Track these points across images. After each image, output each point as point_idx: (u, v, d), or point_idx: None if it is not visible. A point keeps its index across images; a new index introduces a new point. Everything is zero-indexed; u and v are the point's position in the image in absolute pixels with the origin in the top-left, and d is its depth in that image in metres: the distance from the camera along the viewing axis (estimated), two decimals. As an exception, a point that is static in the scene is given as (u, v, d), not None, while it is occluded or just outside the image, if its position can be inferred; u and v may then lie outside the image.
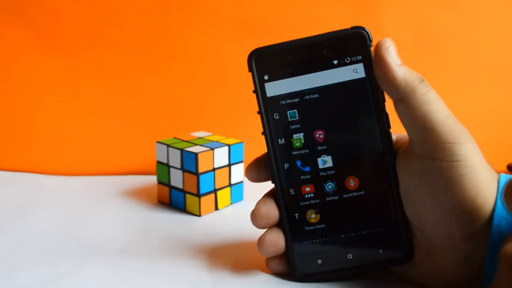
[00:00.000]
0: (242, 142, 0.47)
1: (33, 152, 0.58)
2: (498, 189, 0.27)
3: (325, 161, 0.31)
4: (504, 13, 0.57)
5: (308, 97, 0.31)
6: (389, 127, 0.30)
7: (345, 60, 0.30)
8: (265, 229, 0.32)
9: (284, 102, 0.31)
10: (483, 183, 0.27)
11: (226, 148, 0.46)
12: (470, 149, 0.27)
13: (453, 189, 0.27)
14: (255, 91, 0.31)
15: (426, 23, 0.57)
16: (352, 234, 0.31)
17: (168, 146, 0.46)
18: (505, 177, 0.28)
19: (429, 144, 0.27)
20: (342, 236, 0.31)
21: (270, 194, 0.33)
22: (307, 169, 0.31)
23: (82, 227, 0.41)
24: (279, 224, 0.32)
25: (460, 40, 0.58)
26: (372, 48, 0.29)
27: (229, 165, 0.46)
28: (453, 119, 0.28)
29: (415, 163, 0.28)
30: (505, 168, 0.54)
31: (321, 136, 0.31)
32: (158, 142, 0.47)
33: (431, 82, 0.28)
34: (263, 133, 0.31)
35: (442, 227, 0.27)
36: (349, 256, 0.31)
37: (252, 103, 0.32)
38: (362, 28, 0.30)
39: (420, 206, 0.28)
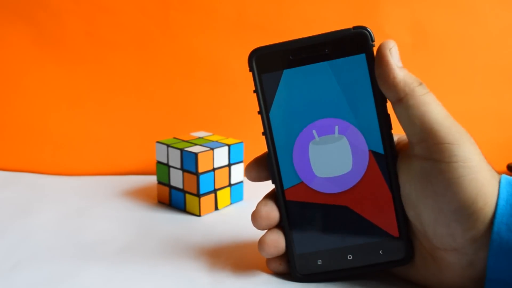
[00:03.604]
0: (242, 142, 0.47)
1: (33, 152, 0.58)
2: (498, 191, 0.27)
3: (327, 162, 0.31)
4: (504, 13, 0.57)
5: (309, 97, 0.30)
6: (390, 128, 0.30)
7: None
8: (266, 230, 0.32)
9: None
10: (483, 184, 0.27)
11: (226, 148, 0.46)
12: (469, 150, 0.27)
13: (453, 190, 0.27)
14: (255, 91, 0.31)
15: (426, 23, 0.57)
16: (353, 234, 0.31)
17: (168, 146, 0.46)
18: (506, 179, 0.28)
19: (428, 145, 0.27)
20: (343, 236, 0.31)
21: (270, 195, 0.33)
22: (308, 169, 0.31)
23: (82, 227, 0.41)
24: (279, 225, 0.32)
25: (460, 40, 0.58)
26: (374, 49, 0.29)
27: (229, 165, 0.46)
28: (451, 120, 0.28)
29: (415, 164, 0.28)
30: (505, 168, 0.54)
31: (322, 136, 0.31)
32: (158, 142, 0.47)
33: (431, 82, 0.28)
34: (263, 133, 0.31)
35: (443, 229, 0.27)
36: (349, 256, 0.31)
37: (252, 103, 0.32)
38: (365, 28, 0.30)
39: (421, 208, 0.28)
